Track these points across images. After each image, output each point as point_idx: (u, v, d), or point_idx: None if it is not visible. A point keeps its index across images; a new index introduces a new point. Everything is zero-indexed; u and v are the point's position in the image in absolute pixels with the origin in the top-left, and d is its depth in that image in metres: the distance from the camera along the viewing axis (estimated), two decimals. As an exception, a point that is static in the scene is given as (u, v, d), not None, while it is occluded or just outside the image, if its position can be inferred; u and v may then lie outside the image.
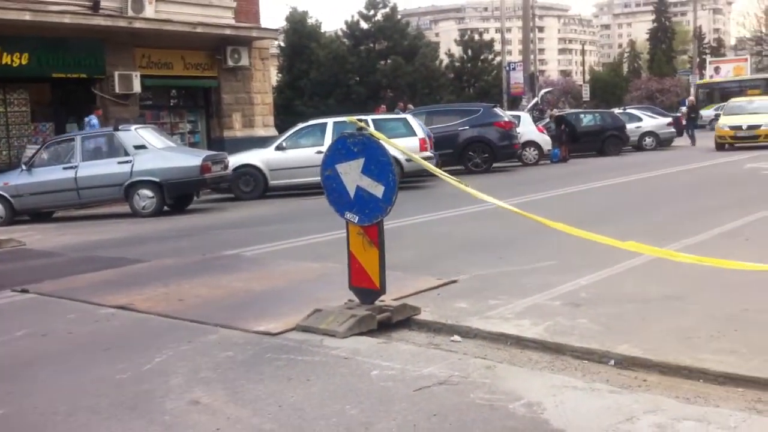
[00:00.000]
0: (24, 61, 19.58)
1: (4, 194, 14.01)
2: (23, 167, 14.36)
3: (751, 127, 24.29)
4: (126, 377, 4.62)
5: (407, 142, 15.97)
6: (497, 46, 47.75)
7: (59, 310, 6.58)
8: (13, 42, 19.23)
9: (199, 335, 5.46)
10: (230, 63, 23.94)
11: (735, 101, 27.97)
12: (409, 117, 17.78)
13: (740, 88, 40.82)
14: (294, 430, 3.69)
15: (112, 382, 4.54)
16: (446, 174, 5.87)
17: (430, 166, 6.21)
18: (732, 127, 24.63)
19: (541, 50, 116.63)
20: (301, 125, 17.89)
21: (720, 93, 43.59)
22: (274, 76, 40.63)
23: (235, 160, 16.82)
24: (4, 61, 19.20)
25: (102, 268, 8.36)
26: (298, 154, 16.47)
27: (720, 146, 24.69)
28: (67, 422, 3.94)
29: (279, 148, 16.99)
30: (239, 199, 16.53)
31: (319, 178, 5.61)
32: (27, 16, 18.82)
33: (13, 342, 5.63)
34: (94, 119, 19.12)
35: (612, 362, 4.46)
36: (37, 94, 20.88)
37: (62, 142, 14.89)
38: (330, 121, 16.69)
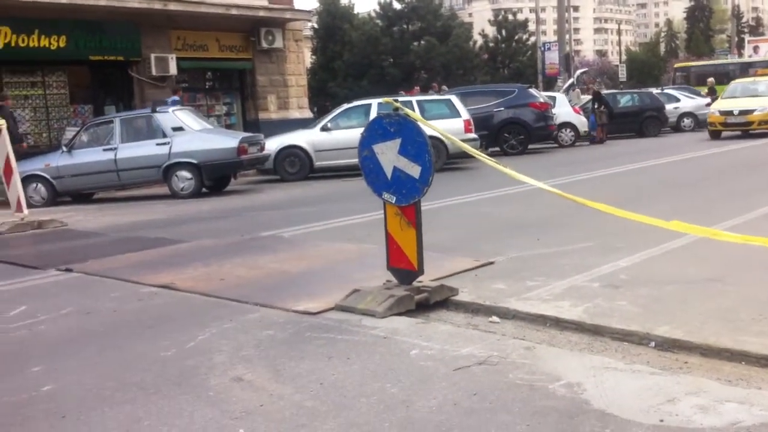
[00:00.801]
0: (62, 44, 19.83)
1: (46, 176, 14.24)
2: (64, 149, 14.59)
3: (743, 113, 21.25)
4: (170, 354, 4.71)
5: (452, 123, 15.99)
6: (531, 26, 47.32)
7: (103, 288, 6.71)
8: (51, 25, 19.47)
9: (240, 314, 5.54)
10: (264, 45, 24.04)
11: (737, 82, 24.59)
12: (453, 98, 17.71)
13: (715, 72, 37.69)
14: (335, 407, 3.74)
15: (157, 359, 4.63)
16: (484, 155, 5.88)
17: (468, 147, 6.20)
18: (723, 113, 21.73)
19: (576, 30, 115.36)
20: (345, 106, 17.94)
21: (696, 77, 40.78)
22: (307, 58, 40.64)
23: (280, 141, 16.94)
24: (42, 44, 19.46)
25: (143, 248, 8.50)
26: (343, 135, 16.50)
27: (714, 134, 22.04)
28: (115, 397, 4.03)
29: (324, 129, 17.06)
30: (284, 181, 16.63)
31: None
32: (64, -1, 19.05)
33: (59, 320, 5.76)
34: (176, 98, 19.35)
35: (652, 344, 4.45)
36: (75, 76, 21.14)
37: (101, 124, 15.09)
38: (374, 102, 16.72)
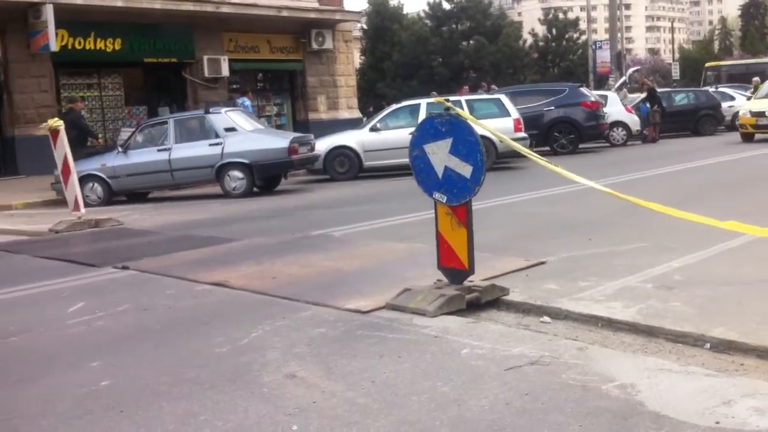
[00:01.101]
0: (117, 47, 20.27)
1: (102, 175, 14.54)
2: (119, 149, 14.87)
3: None
4: (224, 351, 4.79)
5: (501, 122, 15.92)
6: (582, 25, 46.84)
7: (158, 286, 6.84)
8: (107, 28, 19.91)
9: (293, 312, 5.61)
10: (315, 46, 24.24)
11: None
12: (502, 97, 17.64)
13: (746, 71, 35.84)
14: (387, 405, 3.77)
15: (211, 355, 4.71)
16: (535, 154, 5.85)
17: (520, 147, 6.18)
18: (755, 114, 19.68)
19: (628, 28, 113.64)
20: (395, 106, 17.99)
21: (727, 76, 38.76)
22: (357, 59, 40.82)
23: (330, 141, 17.06)
24: (98, 47, 19.92)
25: (197, 247, 8.65)
26: (392, 136, 16.55)
27: (745, 137, 20.04)
28: (171, 392, 4.12)
29: (373, 129, 17.14)
30: (334, 180, 16.73)
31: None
32: (119, 2, 19.46)
33: (117, 316, 5.89)
34: (246, 101, 19.73)
35: (707, 345, 4.39)
36: (130, 78, 21.59)
37: (156, 125, 15.35)
38: (423, 102, 16.73)
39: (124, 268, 7.66)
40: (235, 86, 23.37)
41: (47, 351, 5.10)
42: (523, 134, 16.46)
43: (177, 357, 4.76)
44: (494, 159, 15.82)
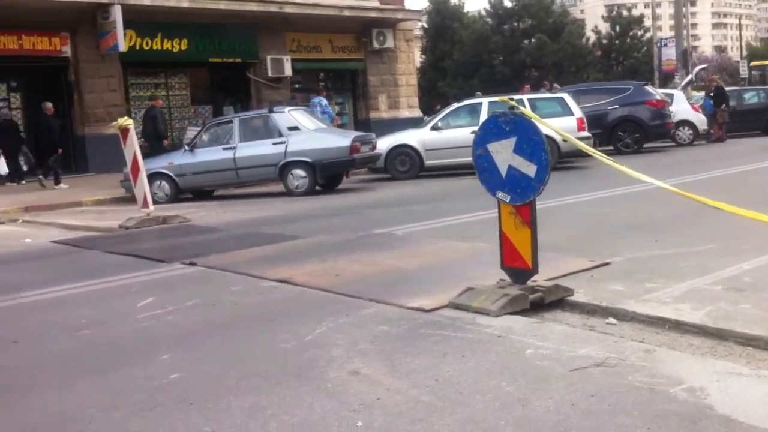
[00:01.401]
0: (183, 47, 20.67)
1: (169, 173, 14.85)
2: (186, 148, 15.17)
3: None
4: (290, 346, 4.86)
5: (564, 121, 15.77)
6: (647, 22, 46.01)
7: (225, 282, 6.97)
8: (174, 29, 20.32)
9: (356, 309, 5.66)
10: (376, 45, 24.33)
11: None
12: (565, 96, 17.47)
13: None
14: (451, 404, 3.78)
15: (277, 351, 4.79)
16: (601, 154, 5.79)
17: (585, 146, 6.12)
18: None
19: (694, 25, 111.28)
20: (456, 105, 17.96)
21: None
22: (417, 58, 40.82)
23: (391, 140, 17.11)
24: (165, 47, 20.34)
25: (262, 244, 8.78)
26: (453, 135, 16.53)
27: None
28: (239, 386, 4.20)
29: (434, 128, 17.14)
30: (395, 179, 16.78)
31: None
32: (185, 3, 19.83)
33: (185, 311, 6.03)
34: (323, 100, 20.14)
35: (779, 349, 4.30)
36: (195, 78, 22.00)
37: (221, 124, 15.62)
38: (485, 101, 16.68)
39: (192, 264, 7.83)
40: (297, 86, 23.61)
41: (118, 344, 5.25)
42: (586, 133, 16.26)
43: (244, 352, 4.85)
44: (556, 159, 15.68)
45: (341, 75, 25.26)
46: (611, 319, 5.09)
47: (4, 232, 11.82)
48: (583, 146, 6.07)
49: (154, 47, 20.24)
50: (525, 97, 16.84)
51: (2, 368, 4.87)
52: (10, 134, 17.94)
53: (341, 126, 23.66)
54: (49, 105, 17.82)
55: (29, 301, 6.75)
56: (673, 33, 36.82)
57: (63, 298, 6.82)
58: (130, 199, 13.26)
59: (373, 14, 24.10)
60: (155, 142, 17.05)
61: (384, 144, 16.80)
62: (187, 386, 4.27)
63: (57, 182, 17.36)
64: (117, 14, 18.48)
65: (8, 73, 19.69)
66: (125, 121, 11.56)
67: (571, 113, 16.59)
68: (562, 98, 17.28)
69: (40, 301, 6.72)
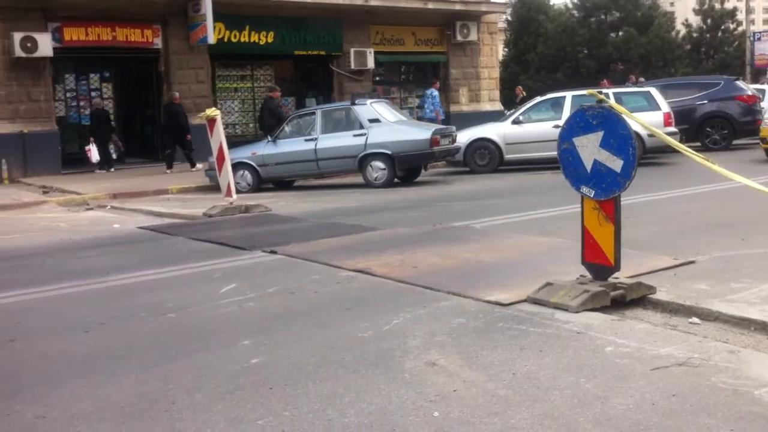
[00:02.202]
0: (269, 40, 20.99)
1: (252, 163, 15.11)
2: (269, 138, 15.41)
3: None
4: (367, 336, 4.91)
5: (650, 116, 15.42)
6: (740, 15, 44.47)
7: (304, 270, 7.08)
8: (260, 22, 20.65)
9: (433, 301, 5.68)
10: (459, 38, 24.23)
11: None
12: (652, 90, 17.07)
13: None
14: (528, 398, 3.77)
15: (355, 340, 4.85)
16: (691, 150, 5.65)
17: (674, 142, 5.98)
18: None
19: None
20: (538, 99, 17.75)
21: None
22: (500, 51, 40.43)
23: (471, 133, 17.02)
24: (252, 39, 20.70)
25: (341, 234, 8.87)
26: (535, 129, 16.35)
27: None
28: (318, 373, 4.27)
29: (516, 122, 16.97)
30: (474, 173, 16.69)
31: (556, 152, 5.59)
32: (272, -3, 20.13)
33: (266, 298, 6.15)
34: (435, 92, 20.41)
35: None
36: (280, 70, 22.33)
37: (304, 116, 15.81)
38: (568, 95, 16.43)
39: (273, 252, 7.97)
40: (378, 78, 23.71)
41: (202, 328, 5.39)
42: (673, 128, 15.85)
43: (323, 339, 4.92)
44: (641, 154, 15.35)
45: (423, 68, 25.23)
46: (694, 319, 4.97)
47: (94, 217, 12.26)
48: (673, 142, 5.92)
49: (242, 40, 20.61)
50: (611, 91, 16.51)
51: (90, 349, 5.06)
52: (102, 123, 18.57)
53: (421, 119, 23.64)
54: (176, 94, 18.62)
55: (117, 284, 7.00)
56: (766, 27, 35.49)
57: (149, 282, 7.04)
58: (213, 187, 13.56)
59: (458, 7, 23.99)
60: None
61: (464, 137, 16.71)
62: (267, 371, 4.36)
63: (192, 165, 17.99)
64: (207, 7, 18.89)
65: (101, 64, 20.37)
66: (213, 111, 11.83)
67: (658, 108, 16.20)
68: (648, 92, 16.89)
69: (128, 285, 6.95)
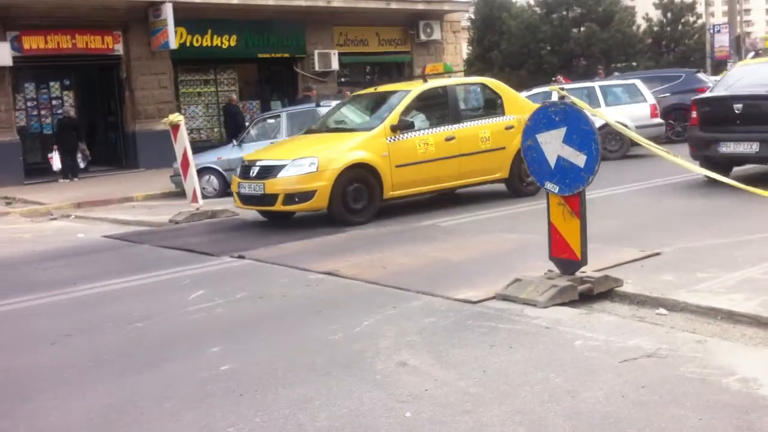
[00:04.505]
0: (232, 43, 20.85)
1: (218, 168, 14.98)
2: (234, 143, 15.29)
3: None
4: (338, 338, 4.89)
5: (638, 108, 15.72)
6: (699, 8, 45.07)
7: (273, 274, 7.04)
8: (222, 25, 20.50)
9: (403, 301, 5.67)
10: (423, 37, 24.25)
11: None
12: (638, 82, 17.14)
13: None
14: (500, 395, 3.77)
15: (325, 343, 4.82)
16: (651, 143, 5.71)
17: (633, 134, 6.04)
18: None
19: (747, 10, 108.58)
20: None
21: None
22: (464, 49, 40.56)
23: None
24: (215, 43, 20.54)
25: (309, 237, 8.83)
26: None
27: None
28: (288, 377, 4.24)
29: None
30: None
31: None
32: (235, 0, 19.99)
33: (235, 303, 6.10)
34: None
35: (837, 340, 4.19)
36: (244, 73, 22.17)
37: (269, 119, 15.72)
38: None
39: (241, 257, 7.91)
40: (343, 80, 23.65)
41: (169, 336, 5.34)
42: (659, 120, 16.07)
43: (292, 344, 4.89)
44: (628, 148, 15.52)
45: (388, 67, 25.20)
46: (662, 310, 5.02)
47: (58, 227, 12.09)
48: (633, 135, 5.99)
49: (204, 44, 20.42)
50: (597, 85, 16.58)
51: (57, 361, 4.99)
52: (69, 131, 18.31)
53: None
54: (234, 96, 19.35)
55: (83, 294, 6.90)
56: (726, 19, 36.06)
57: (115, 291, 6.95)
58: (179, 194, 13.42)
59: (420, 6, 23.99)
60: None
61: None
62: (237, 377, 4.32)
63: None
64: (168, 12, 18.69)
65: (62, 72, 20.08)
66: (176, 117, 11.71)
67: (645, 100, 16.32)
68: (634, 84, 16.95)
69: (93, 295, 6.86)
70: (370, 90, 11.95)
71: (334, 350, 4.65)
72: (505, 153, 10.71)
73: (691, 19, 46.91)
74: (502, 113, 10.98)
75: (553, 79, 27.12)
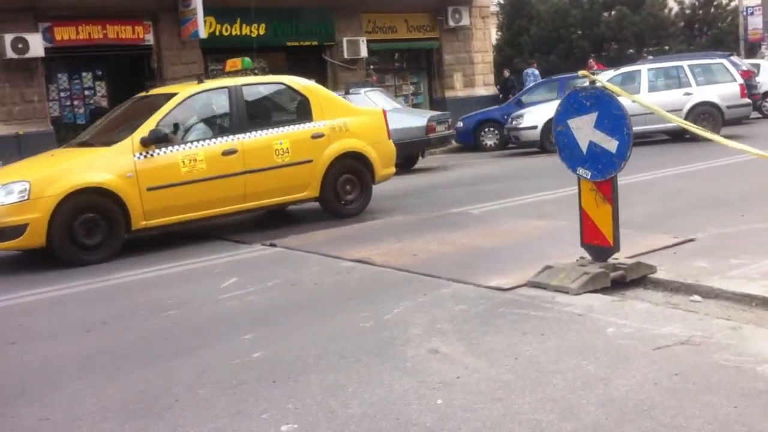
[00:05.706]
0: (261, 32, 20.87)
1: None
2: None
3: None
4: (369, 326, 4.91)
5: (727, 88, 15.58)
6: (733, -11, 44.30)
7: (304, 262, 7.07)
8: (251, 14, 20.49)
9: (434, 288, 5.67)
10: (451, 23, 24.11)
11: None
12: (726, 62, 16.81)
13: None
14: (531, 383, 3.76)
15: (356, 330, 4.84)
16: (695, 126, 5.63)
17: (672, 117, 5.95)
18: None
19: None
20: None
21: None
22: (493, 35, 40.25)
23: (544, 114, 15.82)
24: (244, 32, 20.59)
25: (340, 224, 8.86)
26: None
27: None
28: (320, 364, 4.27)
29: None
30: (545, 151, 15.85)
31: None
32: (263, -12, 20.01)
33: (267, 291, 6.14)
34: (536, 71, 23.35)
35: None
36: (273, 62, 22.17)
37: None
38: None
39: (272, 245, 7.95)
40: (371, 67, 23.61)
41: (203, 324, 5.39)
42: (747, 100, 15.89)
43: (324, 331, 4.91)
44: (721, 125, 15.22)
45: (416, 54, 25.10)
46: (695, 297, 4.97)
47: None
48: (670, 117, 5.90)
49: (233, 33, 20.49)
50: (686, 64, 16.23)
51: (92, 348, 5.06)
52: (101, 120, 18.49)
53: (416, 106, 23.56)
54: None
55: (118, 282, 7.00)
56: (759, 1, 35.41)
57: (150, 279, 7.04)
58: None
59: (449, -9, 23.88)
60: None
61: (535, 118, 16.12)
62: (270, 364, 4.36)
63: None
64: (197, 1, 18.79)
65: (94, 62, 20.27)
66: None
67: (734, 80, 16.02)
68: (723, 64, 16.53)
69: (128, 283, 6.95)
70: (141, 94, 10.27)
71: (365, 337, 4.67)
72: (313, 167, 9.07)
73: (724, 2, 46.16)
74: (309, 119, 9.32)
75: (643, 54, 26.73)
